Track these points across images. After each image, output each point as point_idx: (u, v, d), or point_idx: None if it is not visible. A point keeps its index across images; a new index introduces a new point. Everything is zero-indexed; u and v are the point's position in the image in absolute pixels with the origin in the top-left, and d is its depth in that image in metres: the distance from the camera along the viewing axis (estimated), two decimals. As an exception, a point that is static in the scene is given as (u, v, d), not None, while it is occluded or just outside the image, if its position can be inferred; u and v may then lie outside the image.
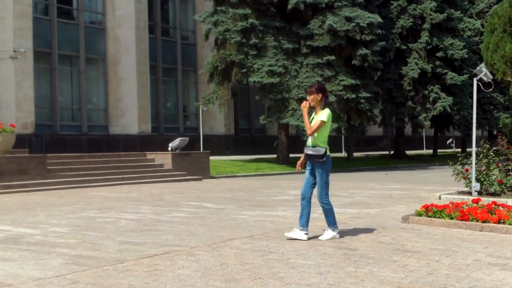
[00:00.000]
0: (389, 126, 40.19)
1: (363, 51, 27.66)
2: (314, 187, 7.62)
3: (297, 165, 7.85)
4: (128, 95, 30.34)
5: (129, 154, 22.29)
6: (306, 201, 7.53)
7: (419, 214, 8.89)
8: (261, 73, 26.35)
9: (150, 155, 21.92)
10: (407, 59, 35.43)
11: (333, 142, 42.87)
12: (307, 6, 27.48)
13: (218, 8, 28.02)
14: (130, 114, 30.31)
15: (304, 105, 7.45)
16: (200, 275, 5.49)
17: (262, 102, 29.96)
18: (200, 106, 28.77)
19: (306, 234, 7.43)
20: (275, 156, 30.57)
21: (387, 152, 42.45)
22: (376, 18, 27.77)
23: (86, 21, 30.39)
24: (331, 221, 7.54)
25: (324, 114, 7.38)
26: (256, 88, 28.47)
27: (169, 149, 22.23)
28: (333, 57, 27.26)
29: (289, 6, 27.19)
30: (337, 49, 27.83)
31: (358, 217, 9.75)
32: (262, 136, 39.24)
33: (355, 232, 8.09)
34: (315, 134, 7.39)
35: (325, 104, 7.48)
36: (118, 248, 7.00)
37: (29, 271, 5.82)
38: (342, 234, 7.82)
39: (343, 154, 39.20)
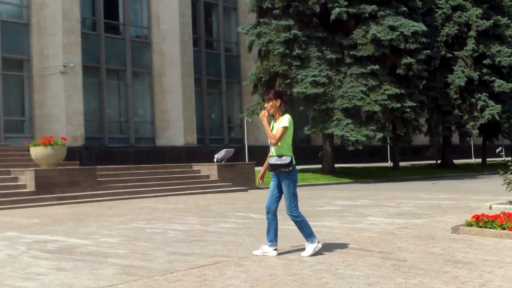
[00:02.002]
0: (436, 135, 39.64)
1: (407, 60, 27.42)
2: (279, 200, 7.26)
3: (257, 178, 7.49)
4: (174, 108, 30.72)
5: (176, 166, 22.54)
6: (271, 214, 7.22)
7: (469, 224, 8.74)
8: (305, 83, 26.36)
9: (196, 167, 22.13)
10: (453, 67, 34.95)
11: (378, 152, 42.51)
12: (350, 16, 27.41)
13: (261, 20, 28.19)
14: (175, 126, 30.67)
15: (263, 114, 7.16)
16: (249, 286, 5.54)
17: (307, 112, 29.91)
18: (245, 117, 28.92)
19: (275, 250, 7.13)
20: (320, 166, 30.48)
21: (433, 162, 41.86)
22: (421, 27, 27.52)
23: (132, 36, 30.93)
24: (307, 232, 7.14)
25: (285, 120, 7.08)
26: (300, 99, 28.48)
27: (215, 160, 22.41)
28: (377, 67, 27.10)
29: (332, 17, 27.17)
30: (381, 58, 27.66)
31: (406, 227, 9.67)
32: (306, 147, 39.16)
33: (403, 242, 8.02)
34: (279, 143, 7.07)
35: (285, 109, 7.23)
36: (168, 258, 7.11)
37: (83, 280, 5.96)
38: (391, 243, 7.76)
39: (389, 163, 38.83)
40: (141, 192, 18.32)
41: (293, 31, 26.93)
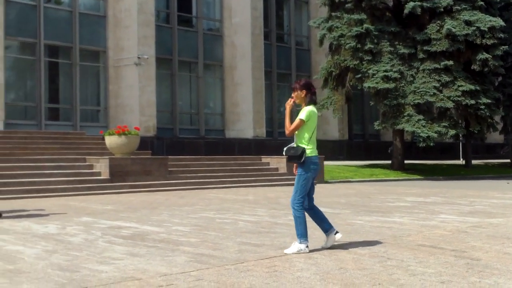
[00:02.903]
0: (511, 133, 38.43)
1: (483, 55, 26.68)
2: (309, 193, 7.14)
3: (293, 169, 7.27)
4: (244, 100, 30.94)
5: (245, 158, 22.74)
6: (309, 208, 7.12)
7: (545, 225, 8.48)
8: (376, 78, 26.06)
9: (265, 159, 22.26)
10: (531, 64, 33.79)
11: (450, 149, 41.50)
12: (424, 11, 26.90)
13: (333, 13, 28.02)
14: (245, 118, 30.89)
15: (288, 103, 7.03)
16: (319, 278, 5.56)
17: (377, 107, 29.60)
18: (314, 111, 28.78)
19: (337, 232, 7.17)
20: (389, 162, 30.11)
21: (508, 160, 40.62)
22: (498, 22, 26.71)
23: (205, 28, 31.28)
24: (299, 231, 6.91)
25: (303, 113, 6.90)
26: (370, 94, 28.18)
27: (284, 153, 22.43)
28: (451, 62, 26.50)
29: (406, 11, 26.72)
30: (455, 53, 27.02)
31: (480, 226, 9.45)
32: (376, 142, 38.73)
33: (477, 241, 7.85)
34: (298, 134, 6.95)
35: (310, 101, 7.02)
36: (238, 248, 7.21)
37: (156, 266, 6.12)
38: (464, 242, 7.61)
39: (461, 161, 37.95)
40: (211, 183, 18.58)
41: (365, 25, 26.65)
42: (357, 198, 15.07)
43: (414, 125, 25.78)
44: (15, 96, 24.82)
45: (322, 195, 16.28)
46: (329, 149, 33.58)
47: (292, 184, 21.43)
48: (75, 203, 13.33)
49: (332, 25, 27.66)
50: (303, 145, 6.94)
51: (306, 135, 6.96)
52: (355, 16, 26.92)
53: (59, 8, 26.26)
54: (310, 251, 6.97)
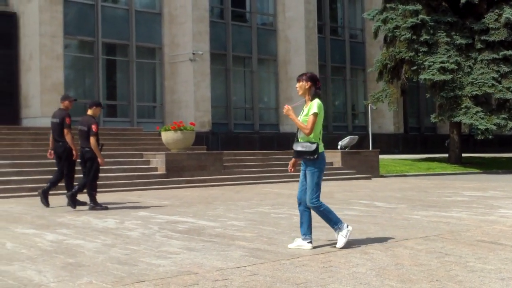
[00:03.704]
0: None
1: (545, 45, 25.92)
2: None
3: (288, 166, 7.18)
4: (298, 95, 30.82)
5: (299, 152, 22.67)
6: (303, 206, 6.87)
7: None
8: (432, 70, 25.61)
9: (319, 153, 22.14)
10: None
11: (510, 142, 40.44)
12: (481, 0, 26.30)
13: (387, 5, 27.67)
14: (300, 113, 30.79)
15: (287, 110, 6.80)
16: (375, 274, 5.53)
17: (433, 100, 29.10)
18: (369, 104, 28.58)
19: (310, 242, 6.80)
20: (446, 155, 29.57)
21: None
22: (561, 9, 25.89)
23: (258, 23, 31.34)
24: (334, 220, 6.81)
25: (314, 106, 6.70)
26: (426, 86, 27.72)
27: (339, 147, 22.35)
28: (510, 52, 25.82)
29: (462, 0, 26.17)
30: (515, 43, 26.35)
31: (541, 221, 9.21)
32: (432, 135, 38.11)
33: (538, 237, 7.66)
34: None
35: (315, 94, 6.84)
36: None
37: (212, 261, 6.19)
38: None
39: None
40: (266, 178, 18.64)
41: (421, 16, 26.23)
42: (413, 193, 14.87)
43: (472, 117, 25.25)
44: (74, 93, 25.38)
45: (378, 189, 16.13)
46: (384, 142, 33.24)
47: (350, 179, 21.30)
48: (133, 197, 13.60)
49: (387, 17, 27.32)
50: (313, 140, 6.73)
51: (317, 130, 6.78)
52: (410, 7, 26.52)
53: (116, 6, 26.76)
54: (365, 246, 6.92)
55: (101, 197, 13.67)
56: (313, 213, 6.94)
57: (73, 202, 11.17)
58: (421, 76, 26.20)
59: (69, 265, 6.07)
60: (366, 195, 14.24)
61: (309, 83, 6.83)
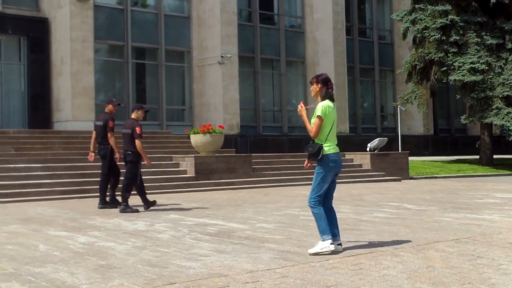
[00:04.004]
0: None
1: None
2: (327, 192, 6.92)
3: (305, 164, 7.23)
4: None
5: (328, 154, 22.60)
6: (324, 209, 6.84)
7: None
8: (462, 71, 25.34)
9: (348, 155, 22.09)
10: None
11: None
12: (512, -1, 26.02)
13: (416, 6, 27.47)
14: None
15: (300, 109, 6.87)
16: (406, 277, 5.49)
17: (463, 101, 28.80)
18: (398, 106, 28.38)
19: (339, 245, 6.78)
20: (477, 157, 29.22)
21: None
22: None
23: (286, 25, 31.32)
24: (321, 229, 6.66)
25: (319, 108, 6.68)
26: (456, 87, 27.42)
27: (368, 149, 22.24)
28: (543, 52, 25.48)
29: (493, 0, 25.85)
30: (547, 43, 25.95)
31: None
32: (462, 137, 37.67)
33: None
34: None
35: (325, 95, 6.79)
36: (323, 245, 7.21)
37: (242, 263, 6.21)
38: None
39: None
40: (295, 180, 18.61)
41: (450, 16, 25.98)
42: (444, 195, 14.72)
43: (503, 118, 24.92)
44: (105, 97, 25.65)
45: (407, 191, 16.01)
46: (413, 144, 32.98)
47: (379, 181, 21.19)
48: (162, 200, 13.68)
49: (416, 18, 27.12)
50: (320, 142, 6.75)
51: (324, 131, 6.75)
52: (440, 7, 26.28)
53: (146, 10, 26.98)
54: (396, 248, 6.87)
55: (130, 200, 13.79)
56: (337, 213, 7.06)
57: (114, 202, 11.60)
58: (451, 77, 25.94)
59: (101, 267, 6.14)
60: (395, 197, 14.15)
61: (319, 85, 6.84)
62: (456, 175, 23.60)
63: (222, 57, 26.29)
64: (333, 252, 6.59)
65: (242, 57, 28.09)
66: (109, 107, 12.25)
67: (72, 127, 22.23)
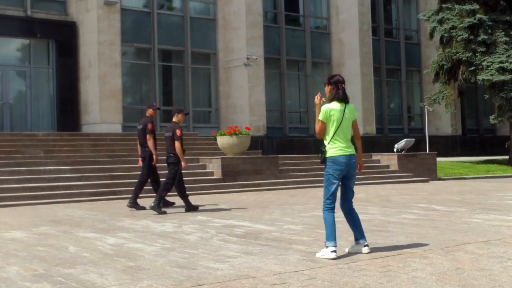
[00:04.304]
0: None
1: None
2: (345, 192, 6.91)
3: None
4: (353, 97, 30.42)
5: (355, 156, 22.51)
6: (343, 212, 6.91)
7: None
8: (490, 70, 25.05)
9: (375, 156, 21.98)
10: None
11: None
12: (542, -3, 25.68)
13: (443, 5, 27.20)
14: (355, 115, 30.55)
15: (316, 100, 6.81)
16: (435, 279, 5.45)
17: (492, 100, 28.45)
18: (425, 106, 28.16)
19: (366, 246, 6.74)
20: (506, 157, 28.85)
21: None
22: None
23: (312, 27, 31.26)
24: (326, 234, 6.58)
25: (321, 112, 6.67)
26: (485, 87, 27.12)
27: (395, 150, 22.11)
28: None
29: (522, -2, 25.58)
30: None
31: None
32: (491, 137, 37.22)
33: None
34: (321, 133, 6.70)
35: (333, 97, 6.70)
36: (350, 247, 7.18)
37: (270, 265, 6.22)
38: None
39: None
40: (321, 181, 18.52)
41: (478, 16, 25.70)
42: (473, 196, 14.57)
43: (533, 118, 24.62)
44: (132, 99, 25.92)
45: (435, 192, 15.87)
46: (441, 145, 32.68)
47: (407, 182, 21.02)
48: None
49: (443, 17, 26.88)
50: (325, 143, 6.70)
51: (329, 133, 6.67)
52: (467, 7, 26.02)
53: (172, 13, 27.14)
54: (424, 250, 6.82)
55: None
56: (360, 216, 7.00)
57: (160, 203, 11.69)
58: (479, 77, 25.67)
59: (130, 268, 6.20)
60: (423, 198, 14.04)
61: (329, 87, 6.79)
62: (485, 175, 23.33)
63: (248, 59, 26.34)
64: (349, 253, 6.68)
65: (267, 58, 28.11)
66: (150, 111, 12.70)
67: (100, 130, 22.46)
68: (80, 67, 24.00)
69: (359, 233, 6.83)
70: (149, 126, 12.21)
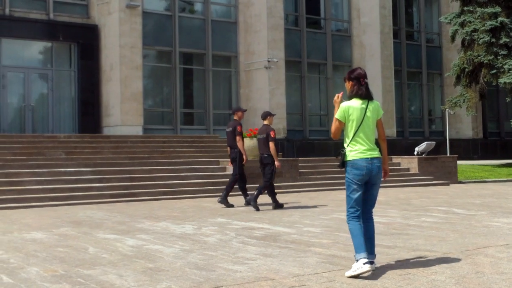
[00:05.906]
0: None
1: None
2: (365, 199, 6.02)
3: None
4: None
5: (375, 159, 22.43)
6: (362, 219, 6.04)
7: None
8: (512, 73, 24.87)
9: (396, 159, 21.88)
10: None
11: None
12: None
13: (465, 8, 27.01)
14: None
15: (335, 99, 6.02)
16: (455, 282, 5.42)
17: (514, 104, 28.24)
18: (446, 109, 27.97)
19: (368, 263, 5.70)
20: (529, 161, 28.60)
21: None
22: None
23: (333, 30, 31.21)
24: (354, 245, 5.80)
25: (338, 111, 5.96)
26: (506, 90, 26.88)
27: (415, 153, 21.98)
28: None
29: (545, 1, 25.33)
30: None
31: None
32: (514, 140, 36.92)
33: None
34: (340, 134, 6.02)
35: (353, 93, 5.97)
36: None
37: (289, 267, 6.22)
38: None
39: None
40: (341, 184, 18.49)
41: (500, 18, 25.50)
42: (493, 199, 14.44)
43: (558, 122, 24.34)
44: (153, 102, 26.06)
45: (456, 195, 15.75)
46: (462, 148, 32.45)
47: (427, 185, 20.90)
48: (209, 204, 13.81)
49: (465, 20, 26.70)
50: (345, 145, 6.03)
51: (349, 134, 5.96)
52: (489, 10, 25.83)
53: (193, 16, 27.26)
54: (444, 253, 6.78)
55: (177, 204, 13.94)
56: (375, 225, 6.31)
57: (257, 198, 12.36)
58: (501, 80, 25.45)
59: (149, 269, 6.24)
60: (444, 201, 13.94)
61: (350, 82, 6.05)
62: (506, 179, 23.09)
63: (268, 61, 26.37)
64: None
65: (288, 61, 28.12)
66: (238, 114, 13.64)
67: (121, 132, 22.61)
68: (101, 69, 24.20)
69: (369, 247, 5.96)
70: (238, 128, 13.06)
